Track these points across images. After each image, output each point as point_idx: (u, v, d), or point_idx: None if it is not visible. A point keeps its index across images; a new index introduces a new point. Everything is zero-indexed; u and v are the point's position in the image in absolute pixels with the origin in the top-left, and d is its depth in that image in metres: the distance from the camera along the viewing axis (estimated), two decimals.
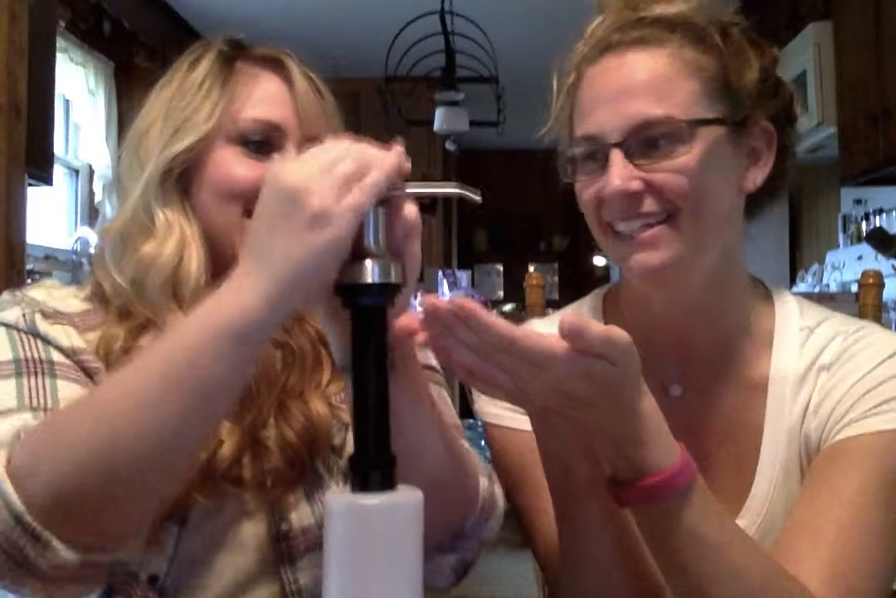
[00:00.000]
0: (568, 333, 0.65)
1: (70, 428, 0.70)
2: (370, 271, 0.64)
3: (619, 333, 0.67)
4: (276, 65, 0.96)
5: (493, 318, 0.64)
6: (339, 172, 0.63)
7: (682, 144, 0.83)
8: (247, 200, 0.90)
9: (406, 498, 0.61)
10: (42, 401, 0.82)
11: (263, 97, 0.94)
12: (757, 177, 0.90)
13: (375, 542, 0.59)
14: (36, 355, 0.86)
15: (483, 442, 1.08)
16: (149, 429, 0.68)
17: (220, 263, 0.92)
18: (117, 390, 0.70)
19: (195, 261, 0.91)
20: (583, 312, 1.03)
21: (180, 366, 0.67)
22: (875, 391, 0.85)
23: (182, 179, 0.94)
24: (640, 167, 0.84)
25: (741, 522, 0.88)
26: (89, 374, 0.87)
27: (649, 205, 0.85)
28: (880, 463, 0.82)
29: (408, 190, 0.68)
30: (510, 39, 4.36)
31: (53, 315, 0.90)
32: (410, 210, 0.68)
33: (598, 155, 0.87)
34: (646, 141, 0.84)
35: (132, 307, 0.91)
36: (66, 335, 0.89)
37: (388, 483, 0.61)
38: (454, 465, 0.84)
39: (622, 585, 0.83)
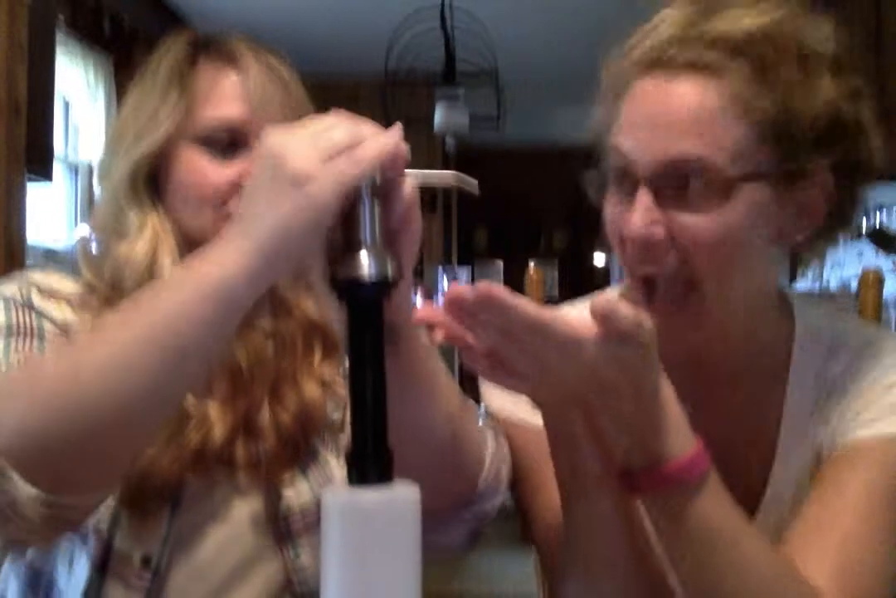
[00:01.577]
0: (600, 314, 0.65)
1: (43, 374, 0.70)
2: (365, 265, 0.63)
3: (646, 315, 0.67)
4: (233, 60, 0.95)
5: (521, 300, 0.63)
6: (328, 138, 0.63)
7: (716, 198, 0.76)
8: (219, 201, 0.91)
9: (403, 492, 0.61)
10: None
11: (221, 95, 0.93)
12: (804, 232, 0.81)
13: (373, 536, 0.59)
14: (28, 322, 0.87)
15: None
16: (118, 384, 0.67)
17: None
18: (94, 342, 0.70)
19: (168, 258, 0.92)
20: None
21: (157, 326, 0.67)
22: (883, 397, 0.85)
23: (151, 179, 0.94)
24: (668, 212, 0.77)
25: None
26: None
27: (671, 260, 0.79)
28: (887, 466, 0.82)
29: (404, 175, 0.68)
30: (510, 36, 4.35)
31: (50, 293, 0.92)
32: (408, 187, 0.67)
33: (627, 183, 0.80)
34: (678, 182, 0.76)
35: (114, 301, 0.92)
36: (60, 310, 0.91)
37: (385, 477, 0.61)
38: (463, 423, 0.84)
39: (632, 584, 0.82)
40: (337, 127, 0.64)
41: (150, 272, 0.91)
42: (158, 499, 0.88)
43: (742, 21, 0.77)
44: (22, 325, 0.87)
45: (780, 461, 0.89)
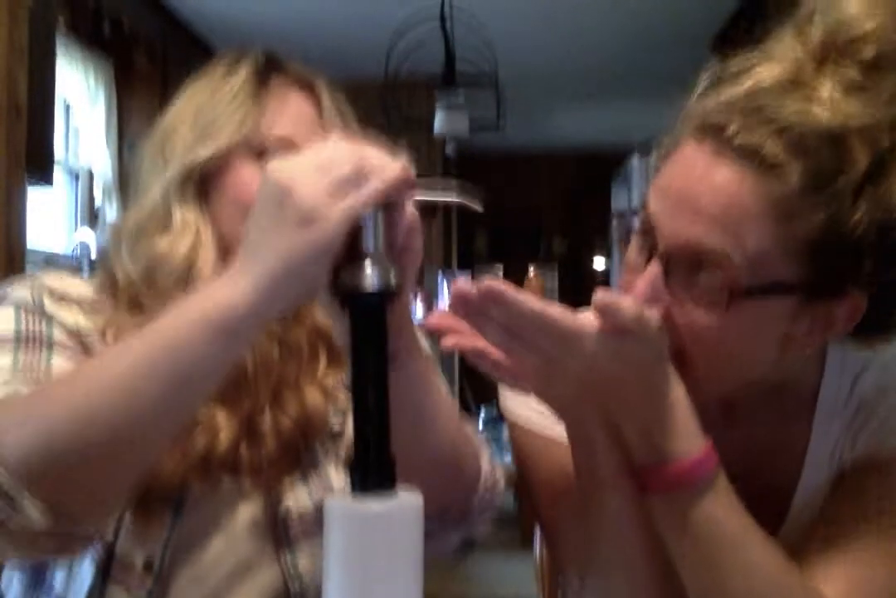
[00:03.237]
0: (601, 309, 0.65)
1: (51, 396, 0.71)
2: (369, 275, 0.64)
3: (650, 312, 0.67)
4: (308, 87, 0.99)
5: (523, 295, 0.64)
6: (336, 174, 0.63)
7: (725, 300, 0.69)
8: None
9: (406, 500, 0.61)
10: (36, 377, 0.84)
11: (293, 117, 0.96)
12: (819, 342, 0.76)
13: (375, 544, 0.59)
14: (38, 331, 0.88)
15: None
16: (122, 409, 0.68)
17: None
18: (100, 367, 0.71)
19: (207, 264, 0.93)
20: None
21: (161, 352, 0.67)
22: None
23: (202, 183, 0.96)
24: (674, 293, 0.72)
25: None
26: (91, 353, 0.89)
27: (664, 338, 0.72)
28: None
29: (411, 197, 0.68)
30: (510, 40, 4.36)
31: (62, 297, 0.92)
32: (410, 209, 0.68)
33: (648, 241, 0.75)
34: (691, 267, 0.71)
35: (143, 298, 0.93)
36: (72, 315, 0.92)
37: (387, 485, 0.61)
38: (459, 445, 0.86)
39: (650, 585, 0.81)
40: (342, 156, 0.64)
41: (187, 270, 0.93)
42: (162, 503, 0.88)
43: (815, 109, 0.67)
44: (31, 334, 0.88)
45: (802, 489, 0.87)
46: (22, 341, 0.87)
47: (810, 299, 0.70)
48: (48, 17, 3.01)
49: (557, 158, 7.44)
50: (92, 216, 3.96)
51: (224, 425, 0.91)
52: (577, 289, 7.24)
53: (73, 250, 3.59)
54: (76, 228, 3.91)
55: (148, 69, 4.08)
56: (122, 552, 0.87)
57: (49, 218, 3.75)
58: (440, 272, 5.38)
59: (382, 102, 4.26)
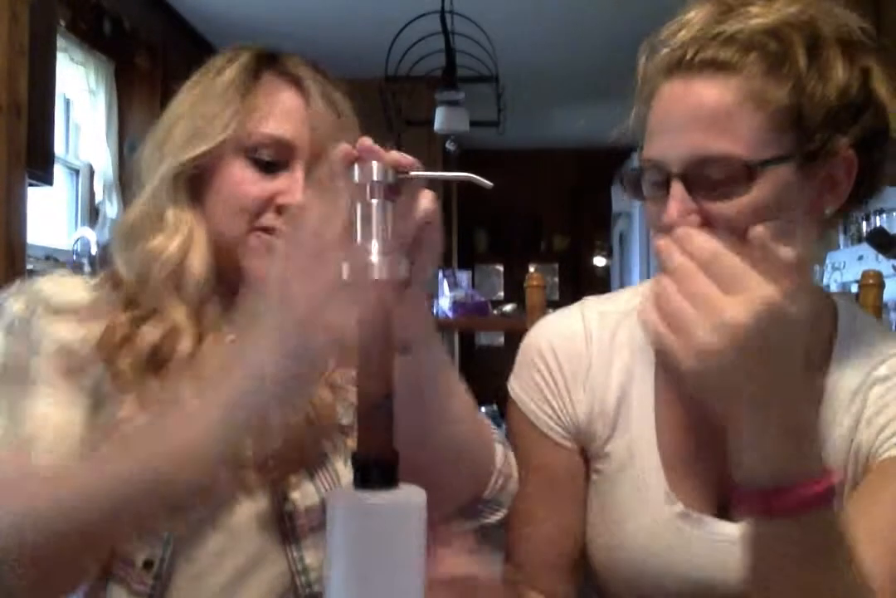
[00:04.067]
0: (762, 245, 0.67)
1: (32, 491, 0.74)
2: (375, 264, 0.64)
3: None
4: (296, 82, 0.97)
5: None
6: (333, 274, 0.63)
7: (742, 185, 0.80)
8: (254, 214, 0.93)
9: (409, 496, 0.61)
10: (11, 417, 0.86)
11: (280, 114, 0.95)
12: (831, 205, 0.86)
13: (378, 540, 0.60)
14: (23, 364, 0.89)
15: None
16: (97, 519, 0.71)
17: (223, 268, 0.95)
18: (85, 476, 0.73)
19: (199, 260, 0.94)
20: (639, 295, 1.02)
21: (140, 477, 0.70)
22: None
23: (194, 182, 0.96)
24: (701, 202, 0.82)
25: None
26: (81, 367, 0.89)
27: None
28: None
29: (416, 173, 0.68)
30: (511, 39, 4.36)
31: (57, 309, 0.92)
32: (427, 196, 0.69)
33: (662, 181, 0.85)
34: (706, 175, 0.81)
35: (138, 297, 0.94)
36: (66, 328, 0.91)
37: (390, 480, 0.61)
38: (475, 434, 0.87)
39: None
40: (339, 255, 0.63)
41: (178, 270, 0.93)
42: None
43: (754, 19, 0.82)
44: (16, 367, 0.88)
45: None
46: (5, 376, 0.88)
47: (810, 164, 0.82)
48: (49, 15, 3.01)
49: (557, 156, 7.44)
50: (92, 213, 3.96)
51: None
52: (577, 287, 7.24)
53: (73, 247, 3.59)
54: (76, 225, 3.92)
55: (148, 68, 4.08)
56: (123, 551, 0.87)
57: (49, 215, 3.75)
58: (440, 271, 5.37)
59: (383, 100, 4.26)
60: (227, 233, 0.95)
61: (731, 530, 0.88)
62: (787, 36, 0.81)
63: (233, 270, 0.95)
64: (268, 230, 0.93)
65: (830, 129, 0.82)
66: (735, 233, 0.78)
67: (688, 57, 0.83)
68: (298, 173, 0.94)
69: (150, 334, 0.91)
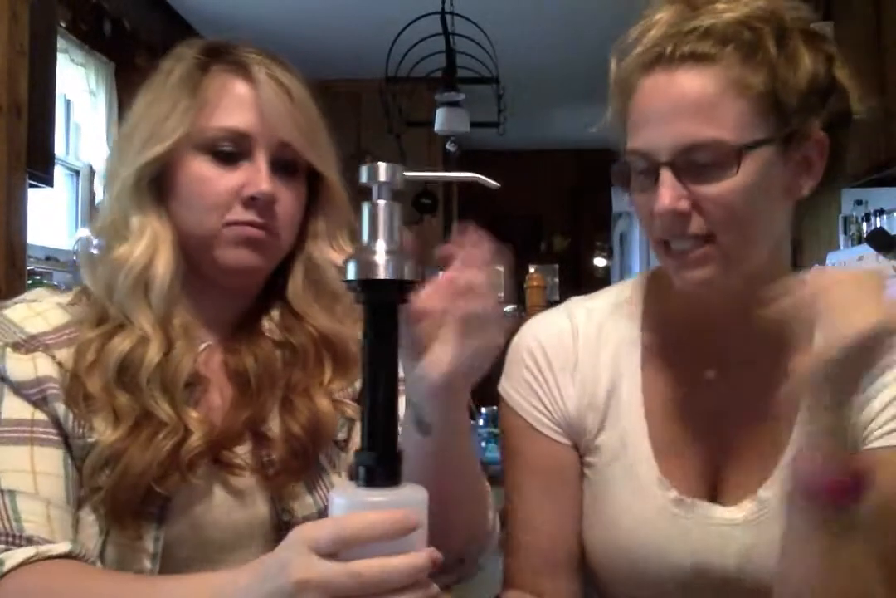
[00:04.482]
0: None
1: None
2: (381, 265, 0.63)
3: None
4: (244, 69, 0.95)
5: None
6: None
7: (728, 168, 0.84)
8: (221, 209, 0.92)
9: (411, 494, 0.61)
10: None
11: (229, 105, 0.93)
12: (808, 184, 0.90)
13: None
14: None
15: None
16: None
17: (195, 264, 0.94)
18: None
19: (163, 263, 0.92)
20: (626, 290, 1.04)
21: None
22: None
23: (156, 184, 0.94)
24: (689, 187, 0.86)
25: (767, 492, 0.90)
26: (48, 400, 0.88)
27: (696, 226, 0.86)
28: None
29: (423, 174, 0.68)
30: (511, 39, 4.36)
31: (25, 343, 0.90)
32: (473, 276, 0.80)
33: (649, 170, 0.88)
34: (693, 162, 0.85)
35: (109, 310, 0.92)
36: (33, 366, 0.89)
37: (393, 480, 0.61)
38: (469, 514, 0.88)
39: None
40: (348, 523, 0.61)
41: (143, 276, 0.91)
42: (141, 516, 0.87)
43: (725, 14, 0.87)
44: None
45: (799, 427, 0.88)
46: None
47: (788, 146, 0.87)
48: (49, 16, 3.01)
49: (557, 157, 7.44)
50: (93, 214, 3.95)
51: (196, 429, 0.88)
52: (577, 288, 7.23)
53: (73, 247, 3.58)
54: (77, 226, 3.92)
55: (148, 67, 4.04)
56: (111, 567, 0.86)
57: (50, 215, 3.75)
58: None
59: (383, 101, 4.26)
60: (198, 231, 0.93)
61: (726, 514, 0.91)
62: (758, 27, 0.86)
63: (206, 265, 0.93)
64: (238, 224, 0.91)
65: (804, 112, 0.87)
66: (721, 212, 0.85)
67: (667, 52, 0.86)
68: (260, 162, 0.92)
69: (119, 345, 0.89)
